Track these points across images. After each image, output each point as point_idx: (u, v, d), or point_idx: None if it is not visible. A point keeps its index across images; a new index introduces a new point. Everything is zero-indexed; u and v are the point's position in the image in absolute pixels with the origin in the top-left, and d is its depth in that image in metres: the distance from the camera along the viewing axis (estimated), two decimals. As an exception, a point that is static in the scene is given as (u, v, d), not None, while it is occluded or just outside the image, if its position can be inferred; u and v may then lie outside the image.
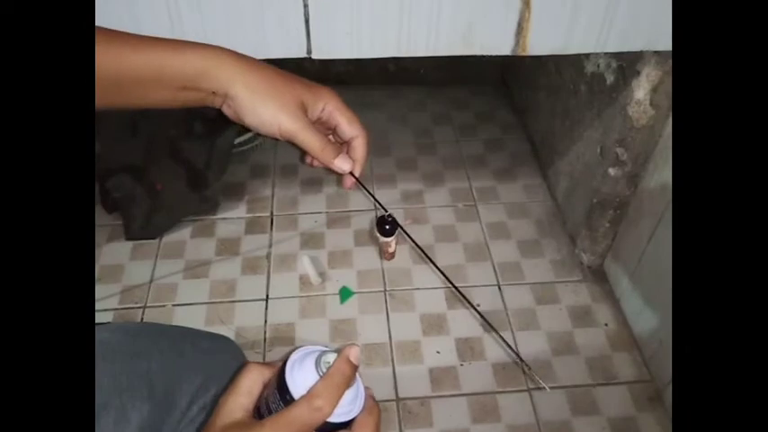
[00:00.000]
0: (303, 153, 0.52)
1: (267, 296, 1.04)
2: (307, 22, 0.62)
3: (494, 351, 0.97)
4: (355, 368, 0.39)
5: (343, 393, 0.38)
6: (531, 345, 0.98)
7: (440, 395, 0.91)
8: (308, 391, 0.37)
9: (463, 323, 1.00)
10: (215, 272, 1.08)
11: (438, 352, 0.97)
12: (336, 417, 0.38)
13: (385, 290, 1.05)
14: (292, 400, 0.37)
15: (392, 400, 0.90)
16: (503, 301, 1.04)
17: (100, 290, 1.04)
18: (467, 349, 0.97)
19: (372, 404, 0.41)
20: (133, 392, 0.56)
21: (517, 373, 0.94)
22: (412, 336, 0.99)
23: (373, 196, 0.55)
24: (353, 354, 0.39)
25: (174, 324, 0.99)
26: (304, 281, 1.06)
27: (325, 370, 0.39)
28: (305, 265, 1.07)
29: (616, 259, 1.03)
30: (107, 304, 1.02)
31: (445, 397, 0.91)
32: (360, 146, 0.53)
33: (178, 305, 1.02)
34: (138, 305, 1.02)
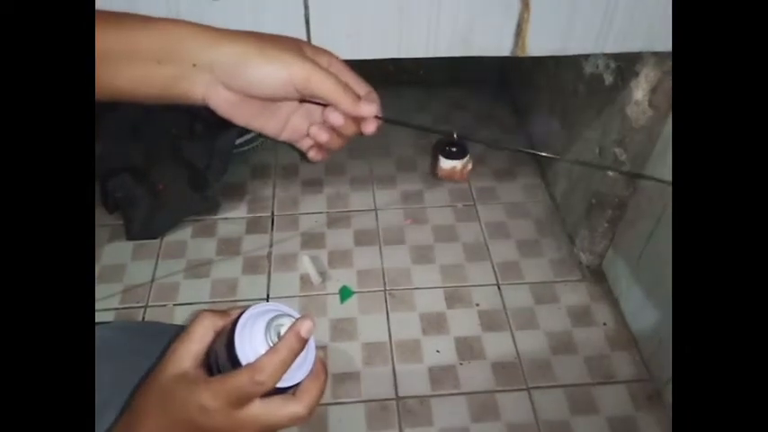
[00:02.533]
0: (302, 154, 0.49)
1: (268, 296, 1.04)
2: (307, 22, 0.62)
3: (493, 350, 0.97)
4: (305, 343, 0.38)
5: (288, 368, 0.37)
6: (531, 344, 0.98)
7: (439, 394, 0.91)
8: (253, 363, 0.37)
9: (463, 322, 1.01)
10: (216, 272, 1.08)
11: (438, 351, 0.97)
12: (280, 382, 0.37)
13: (385, 289, 1.06)
14: (238, 363, 0.37)
15: (392, 399, 0.91)
16: (502, 300, 1.04)
17: (101, 289, 1.04)
18: (466, 348, 0.97)
19: (320, 369, 0.40)
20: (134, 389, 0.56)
21: (517, 373, 0.94)
22: (412, 335, 0.99)
23: (410, 124, 0.51)
24: (305, 328, 0.38)
25: (175, 323, 0.99)
26: (304, 280, 1.07)
27: (275, 339, 0.38)
28: (305, 264, 1.07)
29: (615, 259, 1.03)
30: (108, 304, 1.02)
31: (445, 396, 0.91)
32: (375, 99, 0.46)
33: (179, 305, 1.03)
34: (140, 305, 1.02)
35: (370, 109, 0.44)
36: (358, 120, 0.45)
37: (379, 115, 0.46)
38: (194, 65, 0.40)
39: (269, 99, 0.43)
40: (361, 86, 0.46)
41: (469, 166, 0.53)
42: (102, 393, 0.52)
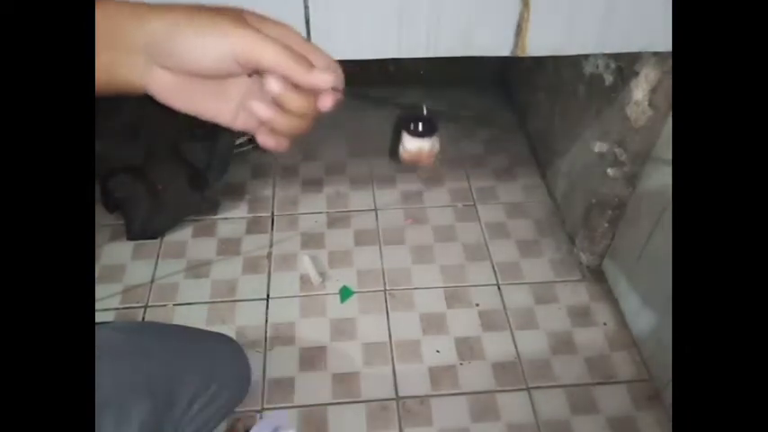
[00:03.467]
0: (251, 140, 0.43)
1: (268, 296, 1.04)
2: (307, 22, 0.62)
3: (493, 350, 0.97)
4: None
5: None
6: (531, 344, 0.98)
7: (439, 394, 0.91)
8: None
9: (463, 322, 1.01)
10: (216, 272, 1.08)
11: (438, 351, 0.97)
12: None
13: (385, 289, 1.06)
14: None
15: (392, 399, 0.91)
16: (502, 300, 1.04)
17: (101, 289, 1.04)
18: (466, 348, 0.97)
19: None
20: (134, 391, 0.56)
21: (517, 373, 0.94)
22: (412, 335, 0.99)
23: (370, 96, 0.45)
24: None
25: (175, 323, 0.99)
26: (304, 280, 1.07)
27: None
28: (305, 264, 1.07)
29: (615, 259, 1.03)
30: (108, 304, 1.02)
31: (445, 396, 0.91)
32: (335, 70, 0.40)
33: (179, 305, 1.03)
34: (140, 305, 1.02)
35: (324, 78, 0.37)
36: (314, 95, 0.38)
37: (338, 88, 0.40)
38: (129, 48, 0.35)
39: (210, 77, 0.37)
40: (321, 59, 0.39)
41: (437, 147, 0.47)
42: (102, 394, 0.52)
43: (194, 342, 0.70)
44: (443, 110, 0.36)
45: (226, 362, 0.72)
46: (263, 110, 0.38)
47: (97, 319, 0.98)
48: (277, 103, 0.37)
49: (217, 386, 0.64)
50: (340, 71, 0.40)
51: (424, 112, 0.41)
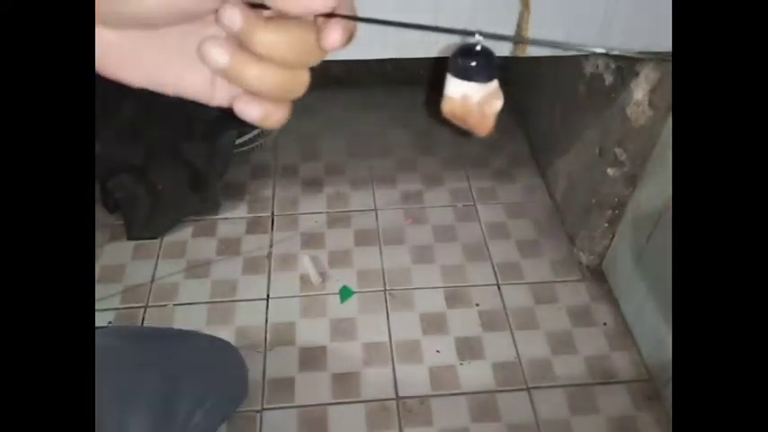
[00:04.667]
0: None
1: (268, 296, 1.04)
2: (308, 23, 0.62)
3: (493, 350, 0.97)
4: None
5: None
6: (531, 344, 0.98)
7: (439, 394, 0.91)
8: None
9: (463, 322, 1.01)
10: (216, 272, 1.08)
11: (438, 351, 0.97)
12: None
13: (385, 289, 1.06)
14: None
15: (392, 399, 0.91)
16: (502, 300, 1.04)
17: (101, 289, 1.04)
18: (466, 348, 0.97)
19: None
20: (133, 403, 0.56)
21: (517, 373, 0.94)
22: (412, 335, 0.99)
23: (399, 23, 0.30)
24: None
25: (175, 325, 0.99)
26: (304, 280, 1.07)
27: None
28: (305, 264, 1.07)
29: (615, 259, 1.03)
30: (108, 304, 1.02)
31: (445, 396, 0.91)
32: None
33: (179, 305, 1.03)
34: (140, 305, 1.02)
35: (319, 2, 0.24)
36: (312, 28, 0.26)
37: (346, 12, 0.26)
38: None
39: (163, 24, 0.26)
40: None
41: (496, 101, 0.29)
42: (101, 405, 0.52)
43: (194, 350, 0.69)
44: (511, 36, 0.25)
45: (224, 371, 0.72)
46: (213, 53, 0.26)
47: (97, 319, 0.99)
48: (253, 50, 0.26)
49: (216, 396, 0.64)
50: None
51: (478, 46, 0.28)
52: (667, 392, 0.90)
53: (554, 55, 0.68)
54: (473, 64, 0.29)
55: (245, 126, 1.23)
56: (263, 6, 0.25)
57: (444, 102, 0.31)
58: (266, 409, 0.89)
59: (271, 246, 1.13)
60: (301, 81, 0.27)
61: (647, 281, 0.93)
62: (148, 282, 1.06)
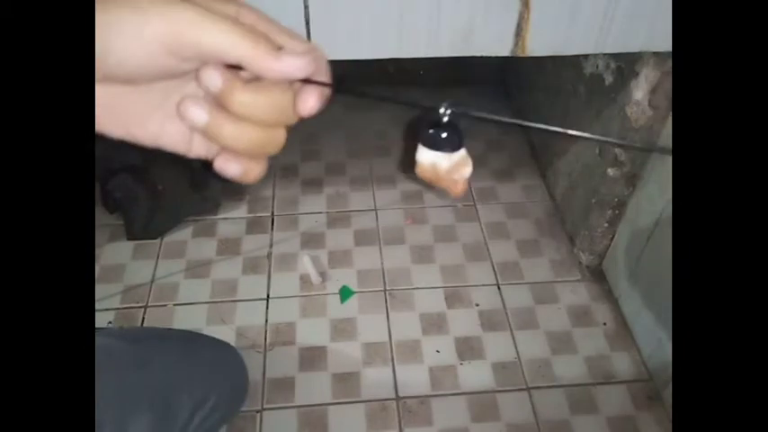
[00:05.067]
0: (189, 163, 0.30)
1: (268, 296, 1.04)
2: (307, 23, 0.62)
3: (493, 350, 0.97)
4: None
5: None
6: (531, 344, 0.98)
7: (439, 394, 0.91)
8: None
9: (463, 322, 1.01)
10: (216, 272, 1.08)
11: (438, 351, 0.97)
12: None
13: (385, 289, 1.06)
14: None
15: (392, 399, 0.91)
16: (502, 300, 1.04)
17: (101, 290, 1.04)
18: (466, 348, 0.97)
19: None
20: (133, 405, 0.56)
21: (517, 373, 0.94)
22: (412, 335, 0.99)
23: (370, 95, 0.32)
24: None
25: (175, 325, 0.99)
26: (304, 280, 1.07)
27: None
28: (305, 264, 1.07)
29: (615, 259, 1.03)
30: (108, 304, 1.02)
31: (445, 396, 0.91)
32: (315, 54, 0.27)
33: (179, 305, 1.03)
34: (140, 305, 1.02)
35: (295, 63, 0.25)
36: (290, 92, 0.27)
37: (322, 79, 0.28)
38: None
39: (143, 80, 0.26)
40: (296, 43, 0.28)
41: (465, 167, 0.32)
42: (100, 407, 0.52)
43: (193, 352, 0.69)
44: (479, 114, 0.24)
45: (225, 372, 0.72)
46: (195, 111, 0.26)
47: (97, 320, 0.99)
48: (214, 99, 0.26)
49: (216, 397, 0.64)
50: (323, 57, 0.28)
51: (445, 116, 0.30)
52: (667, 392, 0.90)
53: (554, 55, 0.67)
54: (442, 136, 0.31)
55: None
56: (242, 68, 0.26)
57: (417, 166, 0.33)
58: (266, 409, 0.89)
59: (271, 246, 1.13)
60: (277, 139, 0.28)
61: (648, 281, 0.93)
62: (148, 282, 1.06)
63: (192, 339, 0.78)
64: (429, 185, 0.35)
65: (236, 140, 0.27)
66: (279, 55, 0.25)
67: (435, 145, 0.32)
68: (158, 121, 0.28)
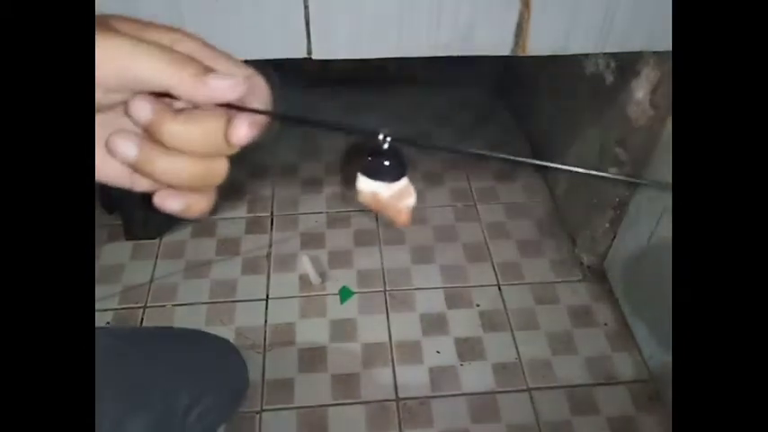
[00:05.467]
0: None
1: (267, 296, 1.04)
2: (307, 22, 0.62)
3: (494, 351, 0.97)
4: None
5: None
6: (531, 345, 0.98)
7: (440, 395, 0.91)
8: None
9: (463, 323, 1.01)
10: (215, 272, 1.08)
11: (438, 352, 0.97)
12: None
13: (385, 290, 1.06)
14: None
15: (392, 400, 0.90)
16: (503, 301, 1.04)
17: (100, 290, 1.04)
18: (467, 349, 0.97)
19: None
20: (131, 401, 0.56)
21: (517, 373, 0.94)
22: (412, 336, 0.99)
23: (307, 121, 0.28)
24: None
25: (174, 325, 0.99)
26: (304, 281, 1.06)
27: None
28: (305, 265, 1.07)
29: (616, 259, 1.03)
30: (107, 304, 1.02)
31: (445, 397, 0.91)
32: (262, 86, 0.27)
33: (178, 305, 1.02)
34: (139, 305, 1.02)
35: (221, 84, 0.24)
36: (223, 121, 0.26)
37: (260, 107, 0.26)
38: None
39: None
40: (226, 64, 0.27)
41: (409, 197, 0.31)
42: (98, 404, 0.52)
43: (193, 350, 0.69)
44: (419, 140, 0.24)
45: (224, 370, 0.72)
46: (120, 146, 0.25)
47: (96, 320, 0.99)
48: (144, 129, 0.25)
49: (214, 395, 0.63)
50: (260, 83, 0.27)
51: (385, 144, 0.28)
52: (668, 393, 0.90)
53: (555, 54, 0.67)
54: (383, 164, 0.29)
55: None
56: (174, 97, 0.25)
57: (358, 195, 0.31)
58: (265, 410, 0.89)
59: (270, 246, 1.13)
60: (217, 171, 0.27)
61: (649, 281, 0.93)
62: (147, 282, 1.06)
63: (192, 337, 0.78)
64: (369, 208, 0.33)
65: (171, 174, 0.26)
66: (205, 78, 0.24)
67: (375, 173, 0.30)
68: (99, 155, 0.27)
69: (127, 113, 0.25)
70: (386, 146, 0.28)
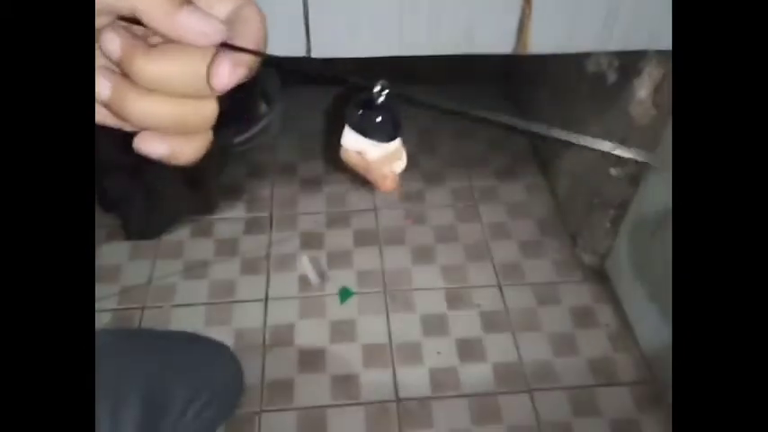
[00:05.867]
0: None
1: (266, 297, 1.03)
2: (306, 21, 0.61)
3: (495, 352, 0.96)
4: None
5: None
6: (532, 345, 0.97)
7: (440, 396, 0.91)
8: None
9: (464, 324, 1.00)
10: (214, 272, 1.07)
11: (438, 352, 0.96)
12: None
13: (385, 290, 1.05)
14: None
15: (392, 401, 0.90)
16: (503, 301, 1.04)
17: (98, 290, 1.03)
18: (467, 350, 0.96)
19: None
20: (127, 398, 0.56)
21: (518, 374, 0.93)
22: (412, 336, 0.98)
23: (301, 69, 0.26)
24: None
25: (172, 326, 0.99)
26: (303, 281, 1.06)
27: None
28: (304, 265, 1.06)
29: (617, 259, 1.03)
30: (105, 305, 1.01)
31: (446, 398, 0.90)
32: (254, 19, 0.24)
33: (177, 306, 1.02)
34: (137, 306, 1.01)
35: (193, 26, 0.21)
36: (205, 59, 0.22)
37: (245, 44, 0.22)
38: None
39: None
40: (222, 4, 0.24)
41: (400, 163, 0.28)
42: (96, 400, 0.51)
43: (189, 350, 0.69)
44: (420, 98, 0.21)
45: (219, 369, 0.72)
46: (100, 84, 0.22)
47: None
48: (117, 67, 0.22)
49: (209, 393, 0.63)
50: (251, 12, 0.24)
51: (379, 96, 0.24)
52: (670, 394, 0.89)
53: (556, 52, 0.67)
54: (375, 120, 0.25)
55: (242, 124, 1.22)
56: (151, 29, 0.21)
57: (342, 151, 0.27)
58: (265, 411, 0.88)
59: (269, 246, 1.12)
60: (204, 112, 0.23)
61: (650, 281, 0.92)
62: (146, 282, 1.05)
63: (188, 338, 0.78)
64: (354, 174, 0.28)
65: (149, 117, 0.22)
66: (178, 10, 0.20)
67: (365, 130, 0.26)
68: None
69: (98, 46, 0.22)
70: (380, 100, 0.24)
